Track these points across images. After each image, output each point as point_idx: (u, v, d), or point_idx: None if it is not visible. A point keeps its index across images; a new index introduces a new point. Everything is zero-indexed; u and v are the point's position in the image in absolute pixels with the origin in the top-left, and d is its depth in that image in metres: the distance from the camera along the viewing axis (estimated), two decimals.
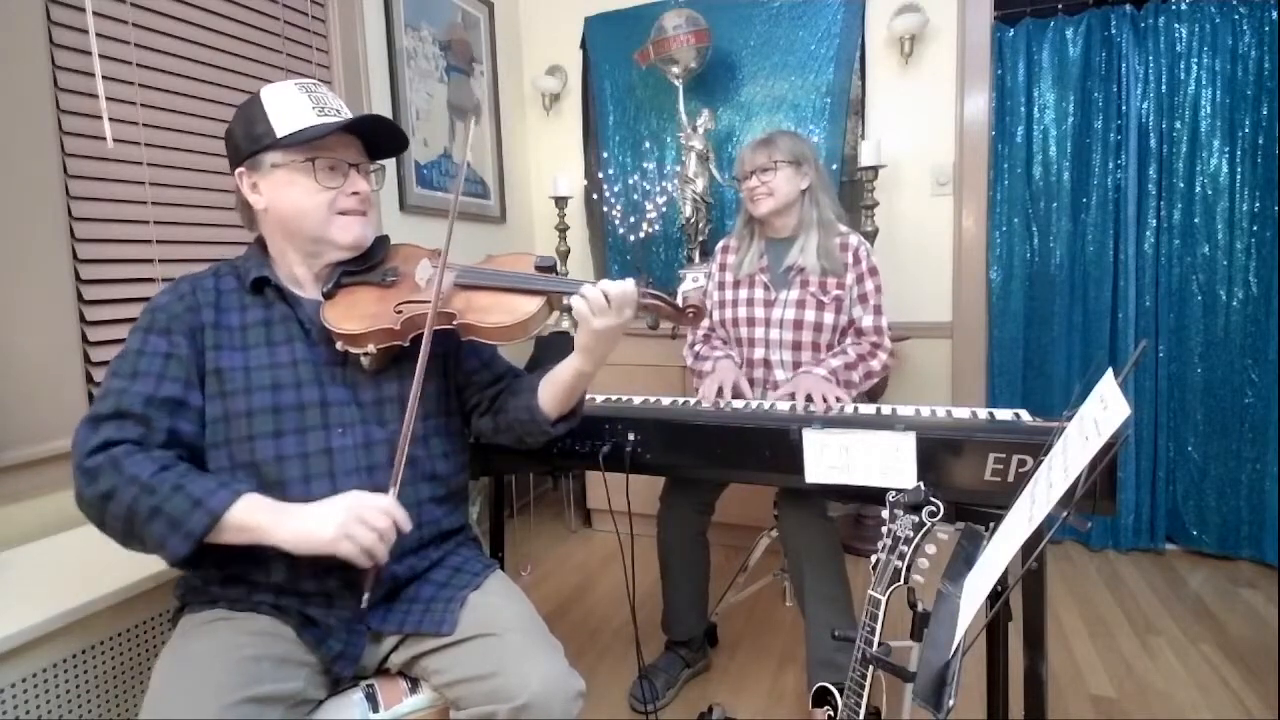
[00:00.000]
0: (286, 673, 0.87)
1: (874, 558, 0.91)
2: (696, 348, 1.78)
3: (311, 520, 0.83)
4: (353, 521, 0.83)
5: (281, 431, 0.93)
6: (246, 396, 0.93)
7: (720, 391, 1.52)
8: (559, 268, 1.03)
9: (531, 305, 0.98)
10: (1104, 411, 0.65)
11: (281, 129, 0.94)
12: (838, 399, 1.40)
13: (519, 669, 0.88)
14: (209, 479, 0.85)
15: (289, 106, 0.95)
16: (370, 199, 1.02)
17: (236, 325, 0.96)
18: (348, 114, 0.99)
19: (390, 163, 2.53)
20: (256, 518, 0.82)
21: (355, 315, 0.96)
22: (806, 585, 1.48)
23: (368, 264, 1.03)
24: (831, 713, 1.12)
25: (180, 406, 0.90)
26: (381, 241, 1.07)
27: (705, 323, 1.79)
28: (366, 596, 0.86)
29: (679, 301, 1.03)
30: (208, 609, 0.93)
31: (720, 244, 1.84)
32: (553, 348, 2.73)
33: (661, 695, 1.64)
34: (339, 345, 0.96)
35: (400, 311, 0.97)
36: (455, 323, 0.99)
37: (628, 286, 0.99)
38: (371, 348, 0.96)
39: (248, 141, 0.95)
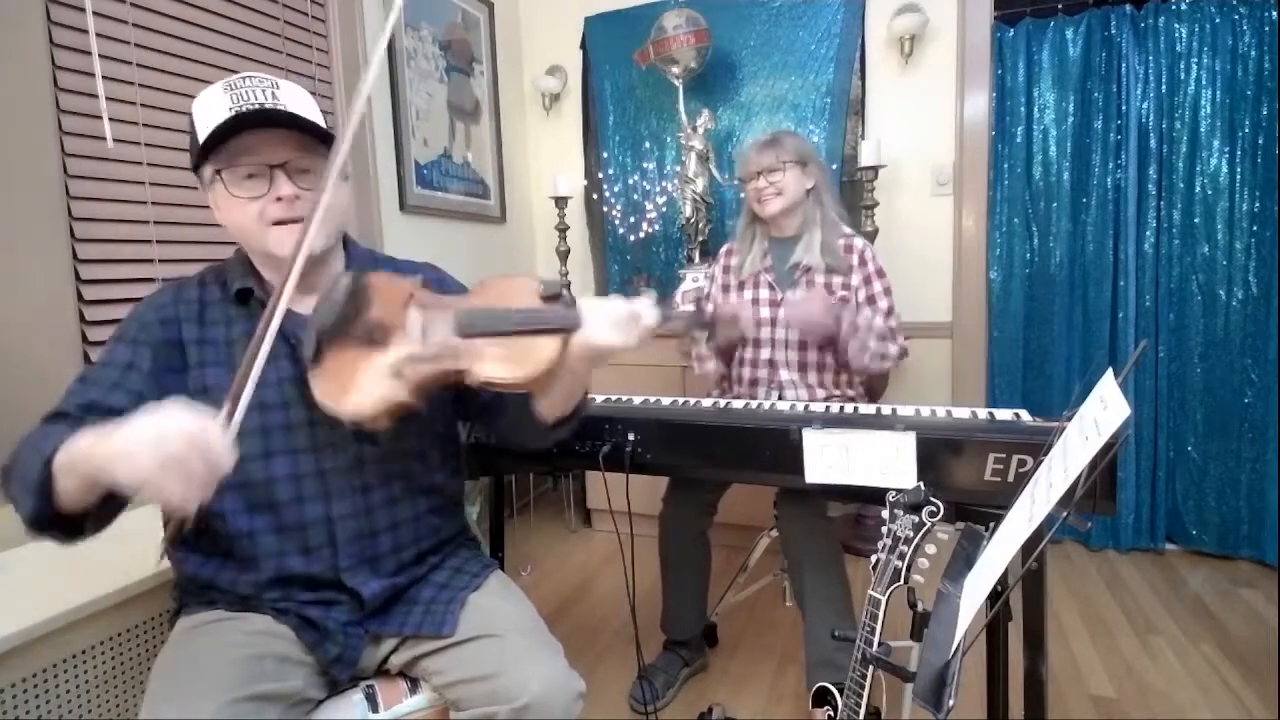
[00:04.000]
0: (286, 671, 0.86)
1: (874, 558, 0.91)
2: (699, 351, 1.79)
3: (131, 445, 0.66)
4: (173, 466, 0.65)
5: (271, 452, 0.90)
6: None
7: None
8: (564, 291, 0.90)
9: (550, 348, 0.84)
10: (1104, 411, 0.65)
11: (201, 140, 0.85)
12: (841, 403, 1.39)
13: (519, 670, 0.88)
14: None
15: (207, 112, 0.85)
16: (306, 198, 0.88)
17: (221, 340, 0.92)
18: (271, 104, 0.87)
19: (390, 163, 2.50)
20: (77, 445, 0.71)
21: (355, 390, 0.82)
22: (806, 586, 1.48)
23: (346, 315, 0.87)
24: (831, 713, 1.12)
25: (120, 417, 0.77)
26: (355, 283, 0.89)
27: None
28: (163, 546, 0.75)
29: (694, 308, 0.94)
30: (206, 610, 0.92)
31: (724, 247, 1.85)
32: None
33: (662, 695, 1.64)
34: (348, 426, 0.85)
35: (402, 376, 0.83)
36: (468, 380, 0.85)
37: (645, 312, 0.87)
38: (388, 423, 0.84)
39: (191, 157, 0.89)
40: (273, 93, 0.88)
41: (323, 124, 0.90)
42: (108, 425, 0.70)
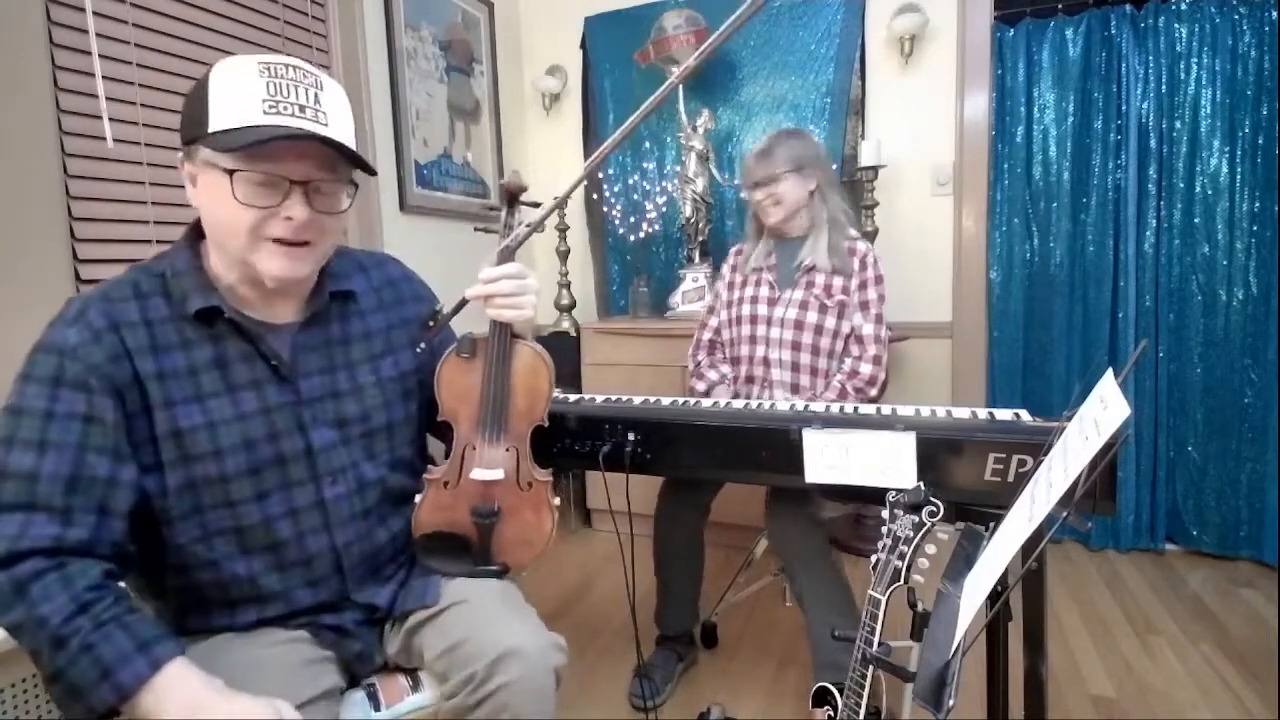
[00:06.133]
0: (317, 673, 0.85)
1: (874, 558, 0.91)
2: (699, 357, 1.82)
3: None
4: None
5: (265, 492, 0.83)
6: (217, 460, 0.79)
7: None
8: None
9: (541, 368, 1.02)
10: (1104, 411, 0.65)
11: (215, 121, 0.74)
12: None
13: (493, 628, 0.88)
14: (129, 633, 0.68)
15: (235, 95, 0.74)
16: (316, 226, 0.79)
17: (183, 369, 0.78)
18: (311, 119, 0.76)
19: (390, 163, 2.50)
20: (164, 712, 0.67)
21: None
22: (803, 589, 1.49)
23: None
24: (831, 713, 1.12)
25: (110, 487, 0.73)
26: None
27: (712, 322, 1.81)
28: None
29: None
30: (211, 635, 0.86)
31: (734, 247, 1.87)
32: (554, 349, 2.72)
33: (661, 691, 1.65)
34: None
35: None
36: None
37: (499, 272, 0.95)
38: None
39: (186, 124, 0.77)
40: (315, 94, 0.77)
41: (353, 143, 0.81)
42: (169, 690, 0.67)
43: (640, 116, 0.96)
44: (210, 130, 0.74)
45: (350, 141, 0.81)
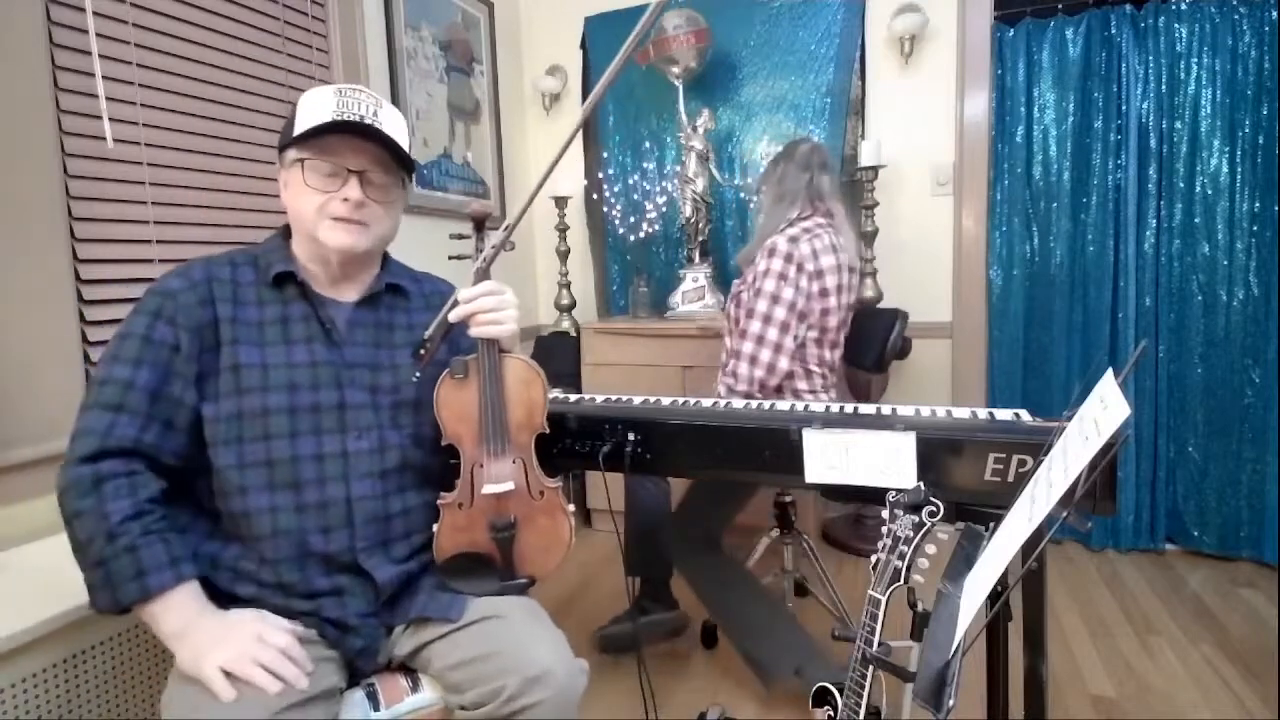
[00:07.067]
0: (316, 670, 0.86)
1: (874, 558, 0.91)
2: None
3: (206, 643, 0.82)
4: (246, 659, 0.80)
5: (298, 432, 0.94)
6: (263, 395, 0.92)
7: None
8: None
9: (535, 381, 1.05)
10: (1104, 411, 0.65)
11: (299, 127, 0.94)
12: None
13: (528, 645, 0.91)
14: (167, 548, 0.83)
15: (314, 106, 0.94)
16: (370, 207, 0.97)
17: (254, 320, 0.95)
18: (371, 120, 0.96)
19: None
20: (167, 620, 0.83)
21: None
22: (719, 617, 1.63)
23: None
24: (831, 713, 1.12)
25: (178, 406, 0.89)
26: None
27: None
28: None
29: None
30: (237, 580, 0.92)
31: None
32: (554, 349, 2.73)
33: (611, 627, 1.83)
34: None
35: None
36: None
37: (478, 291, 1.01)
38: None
39: (281, 138, 0.98)
40: (375, 110, 0.97)
41: (407, 149, 1.00)
42: (191, 601, 0.84)
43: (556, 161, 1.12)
44: (294, 134, 0.93)
45: (402, 145, 0.99)
